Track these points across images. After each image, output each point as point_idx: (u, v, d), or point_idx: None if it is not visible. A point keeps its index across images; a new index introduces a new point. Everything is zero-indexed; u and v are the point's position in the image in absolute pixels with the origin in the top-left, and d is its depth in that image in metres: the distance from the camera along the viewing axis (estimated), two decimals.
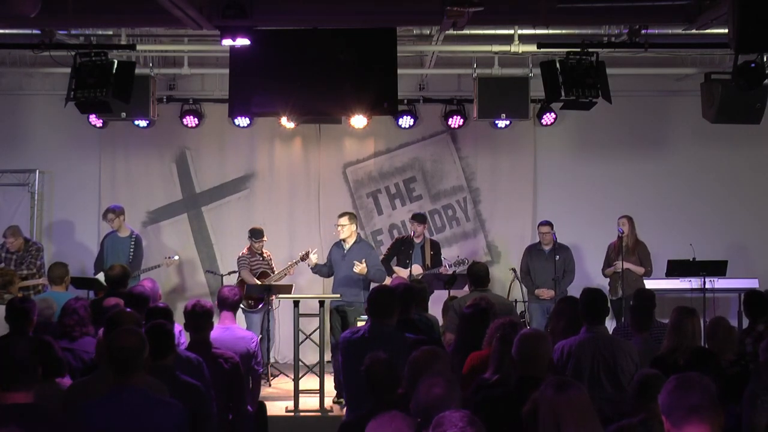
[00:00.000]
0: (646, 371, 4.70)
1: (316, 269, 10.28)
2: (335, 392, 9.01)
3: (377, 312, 5.78)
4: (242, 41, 7.42)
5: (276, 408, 8.74)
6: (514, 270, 10.86)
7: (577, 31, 9.32)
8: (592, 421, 3.59)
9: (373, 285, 8.86)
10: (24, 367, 3.65)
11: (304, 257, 10.16)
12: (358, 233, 10.12)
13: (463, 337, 6.23)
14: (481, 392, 4.69)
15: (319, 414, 8.64)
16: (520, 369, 4.54)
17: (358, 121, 10.49)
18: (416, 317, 6.83)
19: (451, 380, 3.71)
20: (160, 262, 10.79)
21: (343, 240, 9.94)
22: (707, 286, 10.44)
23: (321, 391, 8.74)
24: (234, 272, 10.74)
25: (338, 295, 9.76)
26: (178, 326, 6.29)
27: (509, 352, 4.85)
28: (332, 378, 9.19)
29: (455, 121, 11.41)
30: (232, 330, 6.62)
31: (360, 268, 9.59)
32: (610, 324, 8.91)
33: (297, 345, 9.06)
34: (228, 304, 6.70)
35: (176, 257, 11.14)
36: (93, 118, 10.87)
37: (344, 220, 9.94)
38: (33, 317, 6.27)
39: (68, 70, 8.21)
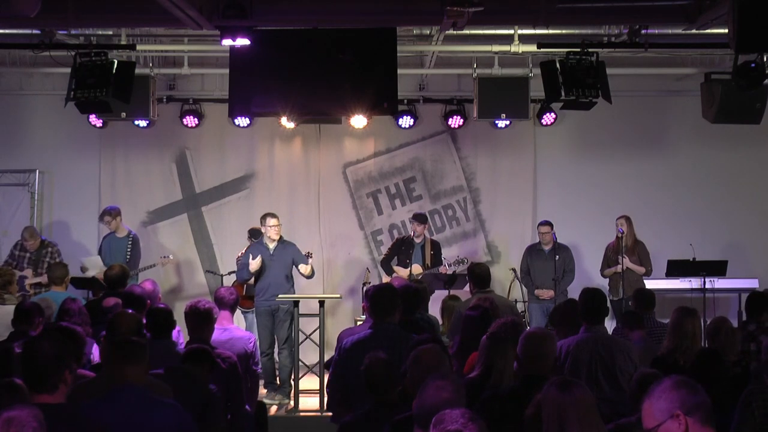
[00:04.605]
0: (646, 370, 4.68)
1: (239, 275, 10.00)
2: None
3: (379, 311, 5.71)
4: (242, 41, 7.42)
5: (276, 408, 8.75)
6: (514, 270, 10.85)
7: (577, 31, 9.32)
8: (596, 422, 3.58)
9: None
10: (49, 369, 3.58)
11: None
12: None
13: (465, 339, 6.21)
14: (487, 391, 4.68)
15: (319, 414, 8.65)
16: (526, 368, 4.53)
17: (358, 121, 10.47)
18: (418, 317, 6.82)
19: (458, 383, 3.69)
20: (156, 261, 10.79)
21: (270, 241, 9.64)
22: (707, 286, 10.44)
23: (321, 391, 8.75)
24: (234, 272, 10.73)
25: (339, 295, 9.74)
26: (177, 326, 6.28)
27: (502, 351, 4.84)
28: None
29: (455, 121, 11.40)
30: (229, 330, 6.62)
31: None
32: (610, 324, 8.91)
33: (297, 345, 9.06)
34: (225, 304, 6.70)
35: (171, 257, 11.12)
36: (93, 118, 10.87)
37: (278, 221, 9.67)
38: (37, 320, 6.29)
39: (68, 70, 8.21)
